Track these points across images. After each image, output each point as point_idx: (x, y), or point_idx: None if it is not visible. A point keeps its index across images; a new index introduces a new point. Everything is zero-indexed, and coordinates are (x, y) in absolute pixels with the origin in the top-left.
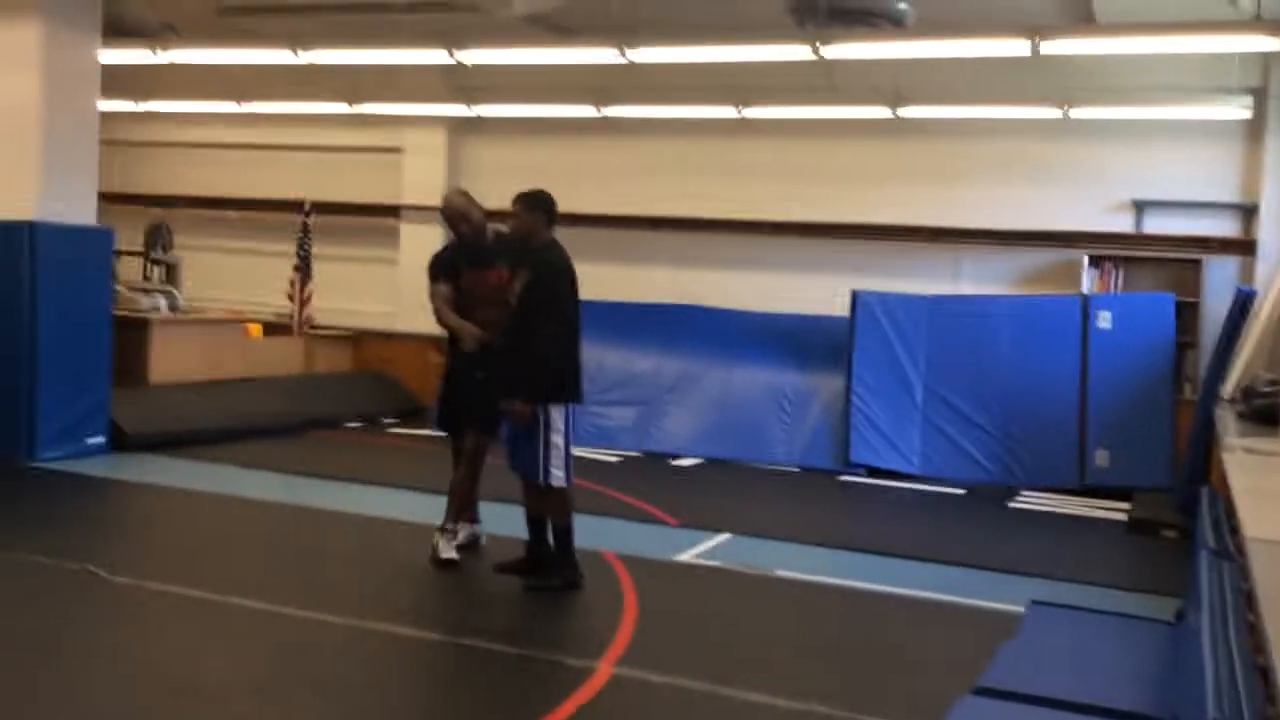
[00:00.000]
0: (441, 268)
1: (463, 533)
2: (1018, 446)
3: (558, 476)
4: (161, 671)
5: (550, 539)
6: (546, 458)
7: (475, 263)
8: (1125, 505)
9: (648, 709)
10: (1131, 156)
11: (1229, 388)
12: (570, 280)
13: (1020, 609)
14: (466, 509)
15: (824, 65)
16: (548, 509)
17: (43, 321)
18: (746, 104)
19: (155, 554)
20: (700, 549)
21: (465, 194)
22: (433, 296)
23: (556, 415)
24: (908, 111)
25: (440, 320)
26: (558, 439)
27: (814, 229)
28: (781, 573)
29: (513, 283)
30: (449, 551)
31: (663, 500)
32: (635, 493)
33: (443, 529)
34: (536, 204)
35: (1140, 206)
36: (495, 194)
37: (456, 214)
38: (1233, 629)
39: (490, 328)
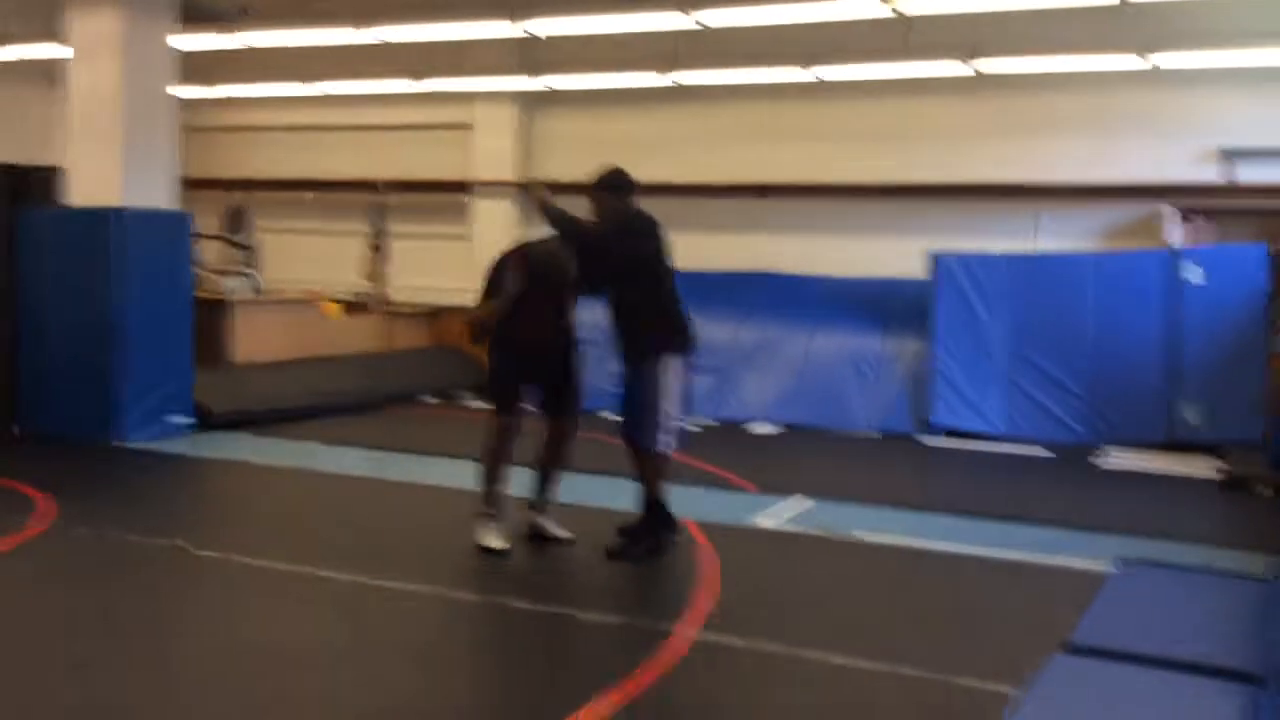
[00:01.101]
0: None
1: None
2: (1104, 405)
3: (665, 442)
4: (250, 641)
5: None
6: (655, 423)
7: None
8: (1217, 462)
9: (730, 673)
10: (1218, 104)
11: None
12: (645, 238)
13: (1110, 568)
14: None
15: (899, 21)
16: (645, 474)
17: (128, 306)
18: (820, 64)
19: (241, 529)
20: (781, 514)
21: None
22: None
23: (663, 376)
24: (985, 65)
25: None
26: (666, 404)
27: (891, 190)
28: (863, 536)
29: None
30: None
31: (742, 467)
32: (714, 460)
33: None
34: (605, 184)
35: (1229, 155)
36: (568, 167)
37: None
38: None
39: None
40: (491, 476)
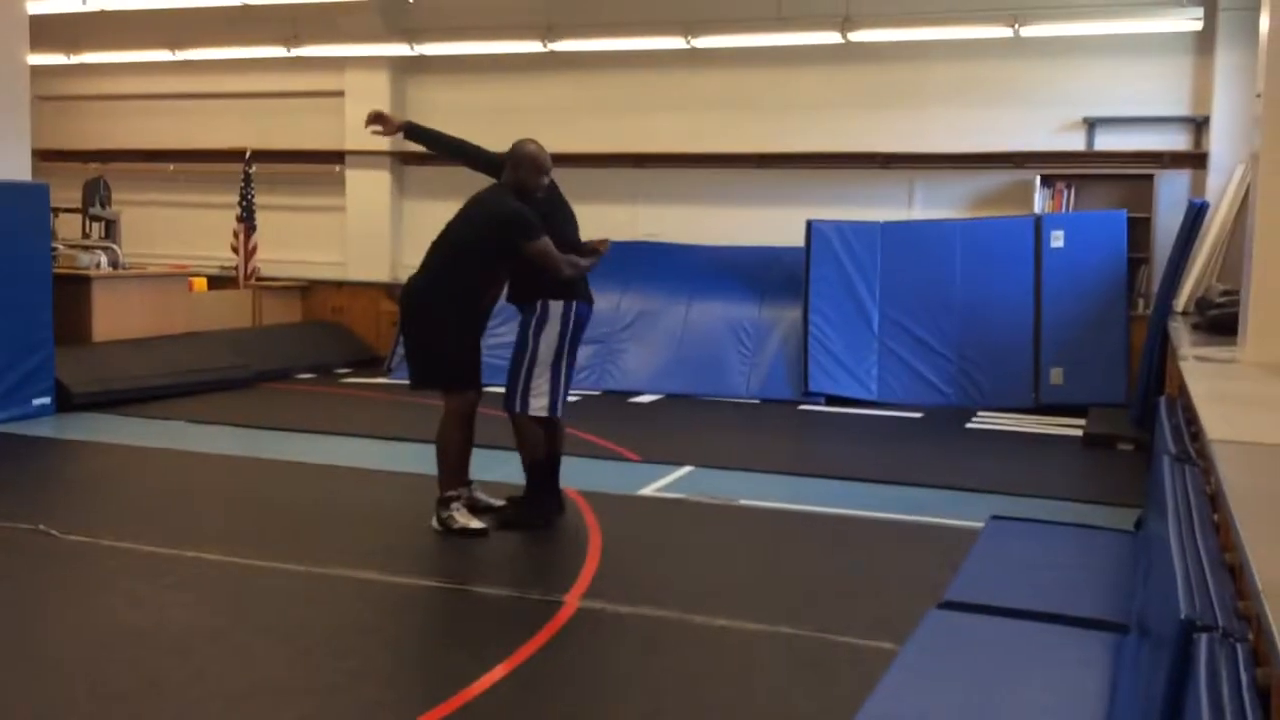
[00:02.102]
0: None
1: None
2: (973, 369)
3: (536, 406)
4: (119, 625)
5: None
6: (521, 385)
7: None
8: (1081, 422)
9: (615, 638)
10: (1082, 73)
11: (1182, 300)
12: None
13: (980, 525)
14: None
15: None
16: (516, 439)
17: None
18: (696, 34)
19: (108, 511)
20: (663, 482)
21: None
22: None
23: (537, 338)
24: (858, 35)
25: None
26: (538, 367)
27: (768, 159)
28: (745, 501)
29: None
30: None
31: (624, 437)
32: (596, 430)
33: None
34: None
35: (1092, 124)
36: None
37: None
38: (1199, 531)
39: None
40: (461, 456)
